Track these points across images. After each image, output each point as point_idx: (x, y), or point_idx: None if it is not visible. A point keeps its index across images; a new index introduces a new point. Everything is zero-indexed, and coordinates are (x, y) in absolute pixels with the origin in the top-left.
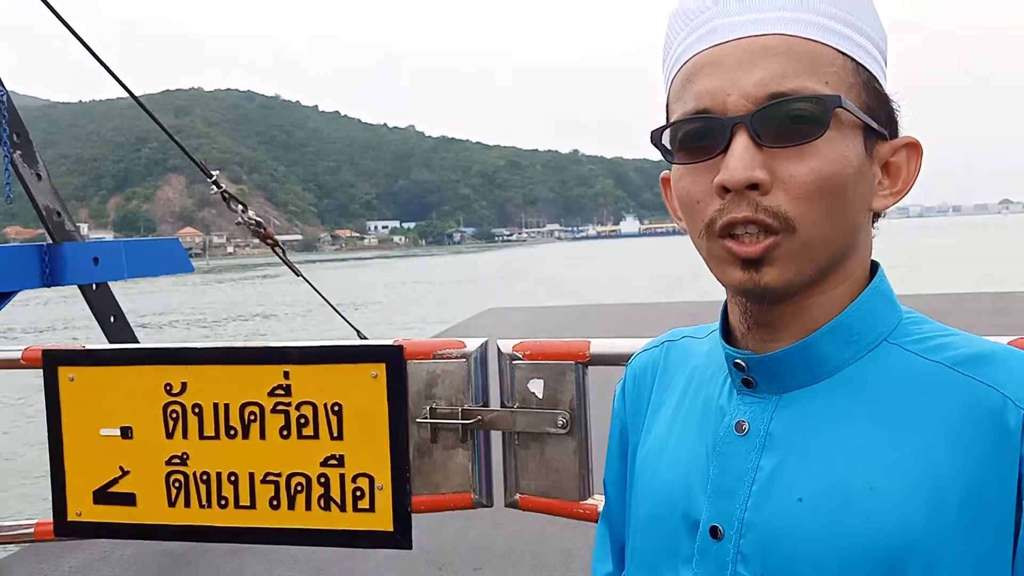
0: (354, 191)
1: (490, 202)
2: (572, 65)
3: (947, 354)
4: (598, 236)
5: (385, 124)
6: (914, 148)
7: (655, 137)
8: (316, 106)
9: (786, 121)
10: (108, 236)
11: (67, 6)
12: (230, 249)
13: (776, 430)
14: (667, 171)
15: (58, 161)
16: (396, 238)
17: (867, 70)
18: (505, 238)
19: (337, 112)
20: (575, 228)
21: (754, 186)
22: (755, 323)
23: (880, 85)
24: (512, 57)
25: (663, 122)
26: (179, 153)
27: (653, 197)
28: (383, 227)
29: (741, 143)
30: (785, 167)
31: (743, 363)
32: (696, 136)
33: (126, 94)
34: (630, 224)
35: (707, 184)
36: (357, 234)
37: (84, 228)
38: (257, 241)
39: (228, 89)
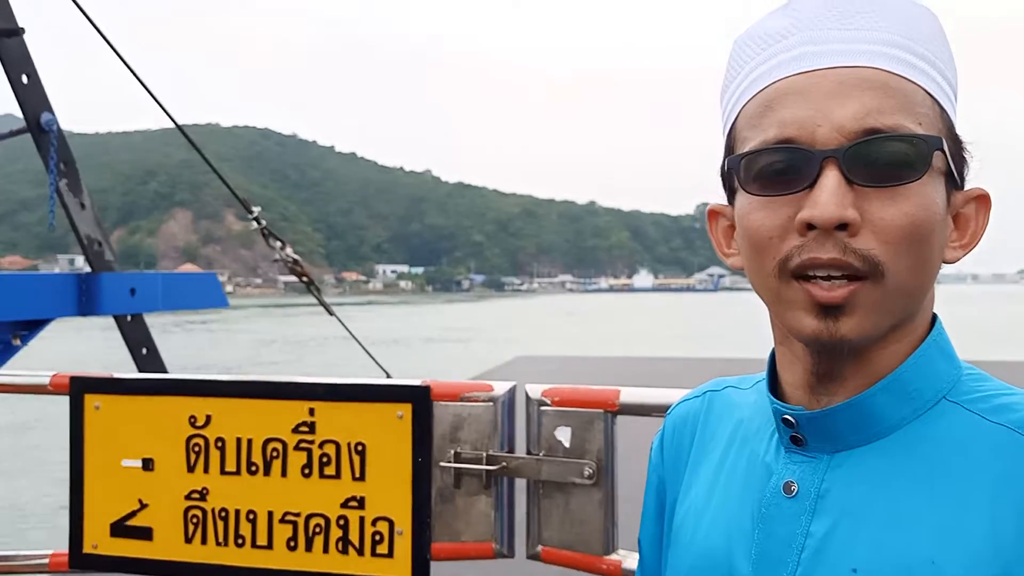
0: (365, 233)
1: (503, 250)
2: (595, 116)
3: (1011, 416)
4: (610, 289)
5: (401, 167)
6: (984, 201)
7: (732, 163)
8: (333, 146)
9: (881, 160)
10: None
11: (90, 35)
12: (230, 288)
13: (828, 492)
14: (715, 204)
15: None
16: (402, 283)
17: (949, 116)
18: (515, 287)
19: (354, 153)
20: (587, 280)
21: (842, 226)
22: (814, 375)
23: (957, 133)
24: (535, 106)
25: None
26: (186, 187)
27: (669, 252)
28: (392, 271)
29: (832, 179)
30: (876, 208)
31: (792, 419)
32: (777, 167)
33: (142, 127)
34: (644, 278)
35: (784, 219)
36: (363, 277)
37: (80, 260)
38: (260, 281)
39: (245, 126)
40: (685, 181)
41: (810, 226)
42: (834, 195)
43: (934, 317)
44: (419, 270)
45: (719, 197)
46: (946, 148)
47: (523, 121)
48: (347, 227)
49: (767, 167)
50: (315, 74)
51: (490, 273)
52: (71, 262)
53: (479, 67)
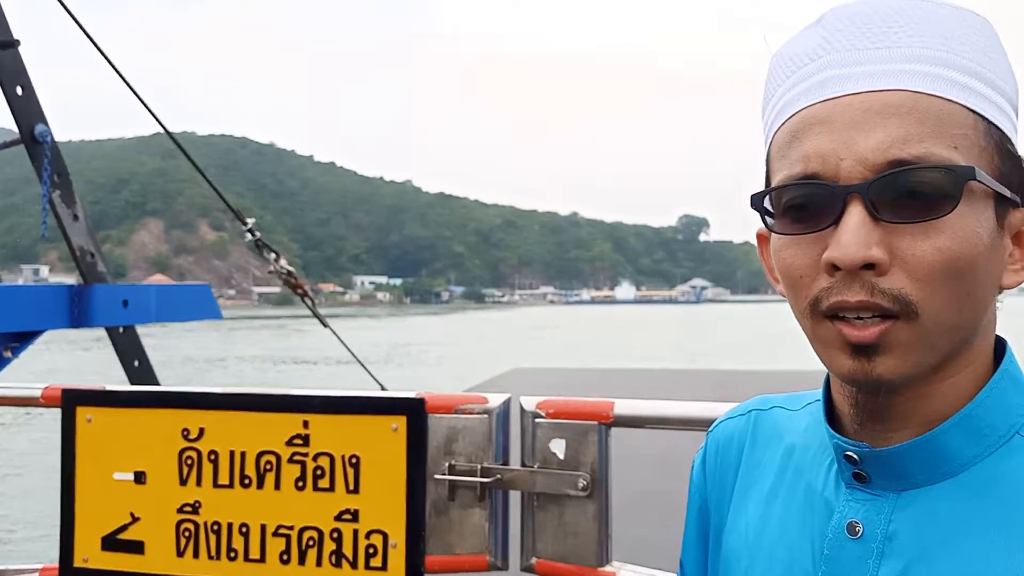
0: (343, 244)
1: (484, 261)
2: (579, 127)
3: None
4: (592, 301)
5: (382, 177)
6: None
7: (756, 200)
8: (311, 156)
9: (909, 193)
10: (71, 280)
11: (62, 42)
12: None
13: (896, 534)
14: (764, 229)
15: (35, 200)
16: (380, 294)
17: (999, 129)
18: (496, 299)
19: (333, 163)
20: (569, 292)
21: (869, 265)
22: (866, 413)
23: (1013, 146)
24: (519, 116)
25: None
26: (158, 197)
27: (652, 263)
28: (370, 283)
29: (856, 216)
30: (907, 244)
31: (856, 456)
32: (802, 203)
33: (116, 135)
34: (626, 290)
35: (813, 257)
36: (340, 289)
37: (44, 271)
38: (233, 292)
39: (222, 135)
40: (668, 193)
41: (836, 267)
42: (856, 235)
43: (1002, 342)
44: (397, 281)
45: (700, 209)
46: (982, 176)
47: (507, 131)
48: (325, 237)
49: (791, 203)
50: (295, 83)
51: (471, 285)
52: (35, 272)
53: (463, 77)
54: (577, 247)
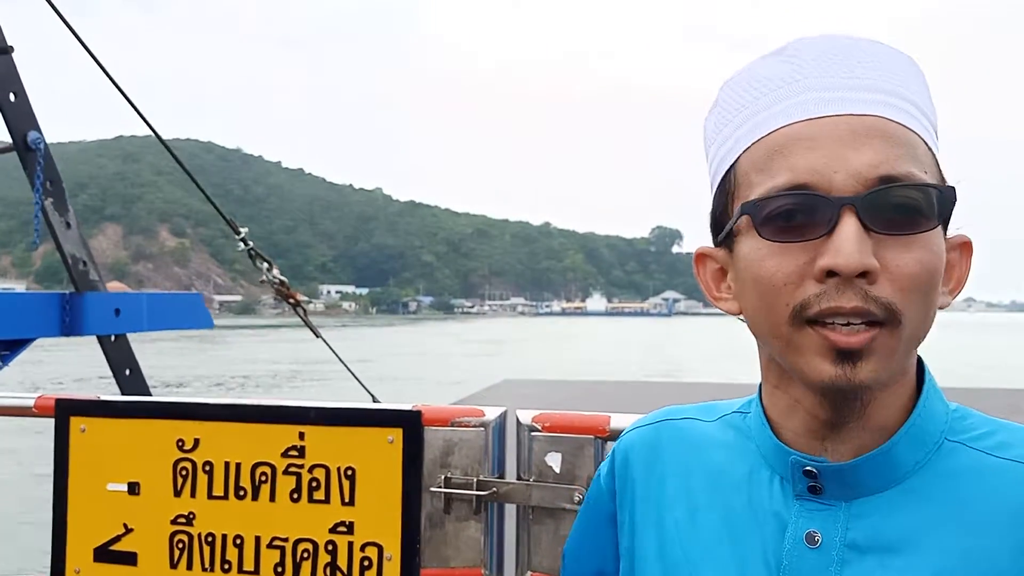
0: (310, 252)
1: (454, 271)
2: (551, 136)
3: (1017, 451)
4: (563, 312)
5: (351, 184)
6: (968, 247)
7: (746, 208)
8: (279, 162)
9: (898, 207)
10: (21, 287)
11: (33, 44)
12: None
13: (855, 542)
14: (703, 247)
15: None
16: (345, 304)
17: (937, 160)
18: (465, 309)
19: (301, 169)
20: (539, 303)
21: (862, 274)
22: (823, 424)
23: (946, 181)
24: (491, 125)
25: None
26: (117, 201)
27: (624, 275)
28: (336, 292)
29: (853, 226)
30: (891, 256)
31: (815, 470)
32: (791, 213)
33: (77, 138)
34: (597, 302)
35: (799, 265)
36: (305, 298)
37: None
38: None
39: (187, 139)
40: (641, 204)
41: (830, 273)
42: (856, 243)
43: (919, 357)
44: (364, 291)
45: (673, 221)
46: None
47: (478, 140)
48: (291, 245)
49: (782, 212)
50: (263, 87)
51: (440, 295)
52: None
53: (434, 83)
54: (549, 257)
